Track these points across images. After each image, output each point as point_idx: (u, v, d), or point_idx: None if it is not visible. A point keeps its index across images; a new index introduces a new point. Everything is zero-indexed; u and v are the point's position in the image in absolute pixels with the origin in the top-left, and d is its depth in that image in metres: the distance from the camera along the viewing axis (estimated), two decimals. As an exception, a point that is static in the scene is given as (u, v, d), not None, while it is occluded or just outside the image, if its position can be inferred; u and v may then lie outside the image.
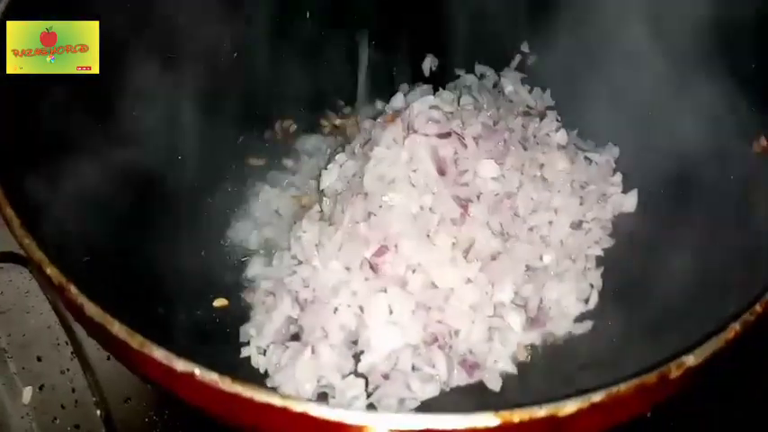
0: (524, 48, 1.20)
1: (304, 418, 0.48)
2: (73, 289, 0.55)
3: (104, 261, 0.76)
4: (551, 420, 0.49)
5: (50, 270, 0.56)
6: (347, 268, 0.88)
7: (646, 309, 0.84)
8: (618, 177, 1.02)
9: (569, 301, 0.90)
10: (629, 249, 0.96)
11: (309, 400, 0.50)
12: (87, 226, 0.75)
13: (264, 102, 1.11)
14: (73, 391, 0.91)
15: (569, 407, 0.49)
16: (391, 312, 0.85)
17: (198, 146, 1.02)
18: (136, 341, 0.52)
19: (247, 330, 0.88)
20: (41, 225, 0.63)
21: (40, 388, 0.92)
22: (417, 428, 0.48)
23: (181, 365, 0.50)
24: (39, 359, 0.95)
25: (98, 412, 0.89)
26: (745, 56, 0.86)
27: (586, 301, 0.92)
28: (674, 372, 0.52)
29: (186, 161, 1.00)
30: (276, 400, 0.49)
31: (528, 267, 0.92)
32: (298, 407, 0.48)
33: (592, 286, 0.93)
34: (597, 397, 0.50)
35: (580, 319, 0.90)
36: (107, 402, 0.90)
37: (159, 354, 0.51)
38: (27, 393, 0.91)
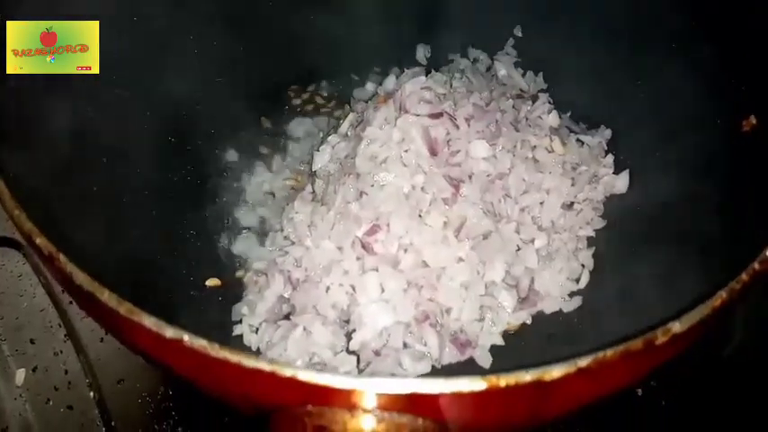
0: (517, 32, 1.19)
1: (292, 383, 0.49)
2: (62, 258, 0.55)
3: (95, 240, 0.76)
4: (538, 385, 0.49)
5: (40, 240, 0.56)
6: (339, 248, 0.88)
7: (637, 285, 0.84)
8: (609, 159, 1.03)
9: (560, 280, 0.91)
10: (620, 230, 0.96)
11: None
12: (79, 202, 0.76)
13: (256, 84, 1.11)
14: (66, 372, 0.91)
15: (556, 372, 0.49)
16: (383, 291, 0.85)
17: (191, 130, 1.03)
18: (124, 308, 0.52)
19: (240, 309, 0.88)
20: (33, 199, 0.63)
21: (33, 370, 0.92)
22: (404, 392, 0.48)
23: (170, 332, 0.50)
24: (32, 342, 0.95)
25: (91, 394, 0.89)
26: (734, 35, 0.87)
27: (577, 280, 0.93)
28: (661, 338, 0.52)
29: (179, 145, 1.01)
30: (264, 365, 0.49)
31: (519, 247, 0.92)
32: (286, 371, 0.48)
33: (583, 266, 0.93)
34: (584, 362, 0.50)
35: (570, 296, 0.90)
36: (100, 384, 0.90)
37: (148, 321, 0.51)
38: (20, 375, 0.91)
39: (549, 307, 0.90)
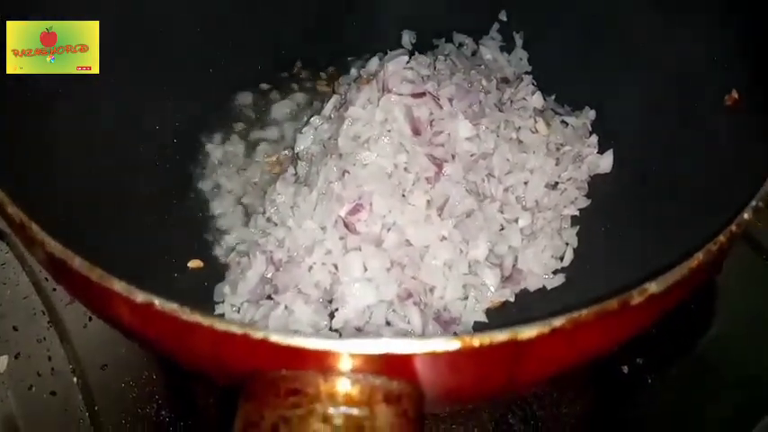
0: (502, 16, 1.19)
1: (264, 345, 0.48)
2: (34, 226, 0.54)
3: (75, 224, 0.75)
4: (512, 345, 0.49)
5: (11, 209, 0.55)
6: (322, 227, 0.88)
7: (621, 262, 0.84)
8: (594, 138, 1.03)
9: (544, 258, 0.91)
10: (605, 207, 0.96)
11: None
12: (59, 182, 0.75)
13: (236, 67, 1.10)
14: (49, 359, 0.91)
15: (530, 331, 0.49)
16: (366, 270, 0.85)
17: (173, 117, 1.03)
18: (95, 274, 0.51)
19: (222, 289, 0.87)
20: (9, 177, 0.63)
21: (16, 356, 0.91)
22: (377, 353, 0.48)
23: (140, 297, 0.50)
24: (15, 329, 0.94)
25: (75, 379, 0.89)
26: (717, 12, 0.87)
27: (561, 258, 0.92)
28: (636, 298, 0.52)
29: (161, 131, 1.00)
30: (235, 328, 0.48)
31: (503, 226, 0.92)
32: (258, 334, 0.48)
33: (567, 244, 0.93)
34: (558, 322, 0.50)
35: (554, 273, 0.90)
36: (83, 369, 0.90)
37: (119, 286, 0.50)
38: (2, 362, 0.91)
39: (532, 284, 0.90)
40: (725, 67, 0.85)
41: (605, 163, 1.00)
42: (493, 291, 0.88)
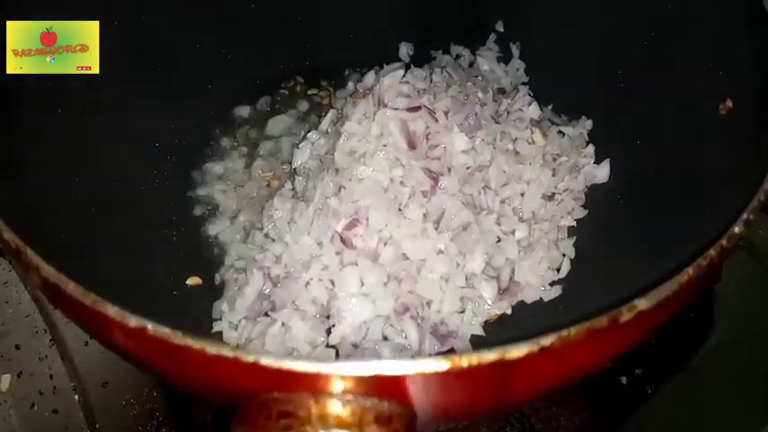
0: (499, 27, 1.20)
1: (255, 368, 0.48)
2: (29, 252, 0.55)
3: (75, 241, 0.76)
4: (501, 364, 0.49)
5: (7, 235, 0.56)
6: (318, 243, 0.88)
7: (618, 273, 0.84)
8: (590, 149, 1.03)
9: (541, 270, 0.91)
10: (602, 218, 0.96)
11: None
12: (57, 200, 0.76)
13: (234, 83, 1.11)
14: (51, 377, 0.91)
15: (518, 351, 0.49)
16: (362, 285, 0.85)
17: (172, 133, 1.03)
18: (89, 299, 0.52)
19: (219, 306, 0.88)
20: (8, 201, 0.64)
21: (18, 375, 0.92)
22: (366, 374, 0.48)
23: (133, 321, 0.50)
24: (17, 347, 0.95)
25: (76, 397, 0.89)
26: (714, 24, 0.87)
27: (558, 269, 0.92)
28: (626, 315, 0.52)
29: (159, 147, 1.01)
30: (226, 351, 0.49)
31: (499, 239, 0.92)
32: (248, 357, 0.48)
33: (564, 255, 0.93)
34: (547, 341, 0.50)
35: (550, 285, 0.90)
36: (85, 387, 0.91)
37: (113, 311, 0.51)
38: (5, 381, 0.91)
39: (529, 296, 0.90)
40: (720, 75, 0.84)
41: (602, 173, 1.00)
42: (490, 304, 0.88)
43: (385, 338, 0.84)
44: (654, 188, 0.89)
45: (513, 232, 0.93)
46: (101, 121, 0.89)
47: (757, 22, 0.79)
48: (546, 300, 0.90)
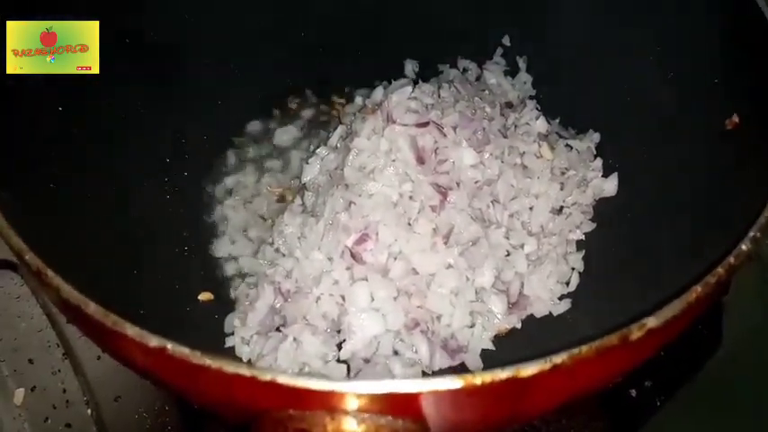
0: (506, 41, 1.21)
1: (272, 387, 0.49)
2: (50, 273, 0.56)
3: (90, 258, 0.77)
4: (513, 382, 0.50)
5: (29, 257, 0.57)
6: (329, 258, 0.89)
7: (627, 286, 0.85)
8: (598, 162, 1.04)
9: (550, 284, 0.92)
10: (610, 231, 0.97)
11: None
12: (71, 222, 0.77)
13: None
14: (64, 391, 0.92)
15: (531, 369, 0.50)
16: (373, 300, 0.86)
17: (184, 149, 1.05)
18: (110, 320, 0.53)
19: (231, 321, 0.89)
20: (26, 219, 0.64)
21: (32, 389, 0.92)
22: (381, 392, 0.49)
23: (153, 341, 0.51)
24: (30, 361, 0.95)
25: (89, 411, 0.90)
26: (714, 40, 0.88)
27: (567, 283, 0.93)
28: (636, 333, 0.53)
29: (172, 164, 1.03)
30: (244, 371, 0.50)
31: (508, 253, 0.93)
32: (265, 376, 0.49)
33: (573, 269, 0.94)
34: (559, 359, 0.51)
35: (560, 299, 0.91)
36: (97, 401, 0.91)
37: (132, 331, 0.52)
38: (19, 395, 0.91)
39: (538, 310, 0.90)
40: (726, 90, 0.85)
41: (610, 186, 1.01)
42: (500, 318, 0.89)
43: (396, 353, 0.84)
44: (662, 203, 0.89)
45: (521, 246, 0.94)
46: (114, 138, 0.90)
47: (764, 37, 0.80)
48: (555, 314, 0.90)
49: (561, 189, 1.00)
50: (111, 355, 0.62)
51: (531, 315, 0.91)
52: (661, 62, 0.96)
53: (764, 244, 0.96)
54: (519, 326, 0.90)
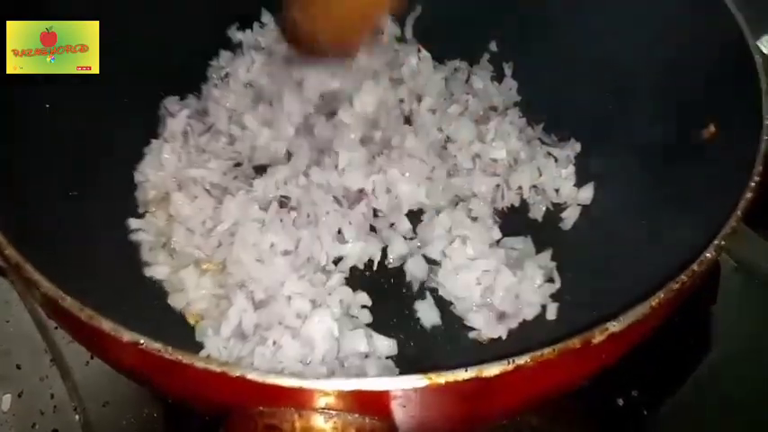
0: (492, 47, 1.22)
1: (242, 383, 0.51)
2: (29, 267, 0.58)
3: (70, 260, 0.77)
4: (477, 382, 0.51)
5: (8, 251, 0.59)
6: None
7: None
8: (571, 169, 1.06)
9: (532, 286, 0.93)
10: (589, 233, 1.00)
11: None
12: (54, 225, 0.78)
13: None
14: (52, 396, 0.92)
15: (493, 369, 0.51)
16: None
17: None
18: (85, 314, 0.54)
19: (205, 330, 0.88)
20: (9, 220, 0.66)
21: (19, 395, 0.92)
22: (347, 389, 0.51)
23: (127, 336, 0.53)
24: (18, 367, 0.95)
25: (77, 417, 0.90)
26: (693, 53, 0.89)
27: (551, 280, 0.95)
28: (598, 337, 0.55)
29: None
30: (214, 366, 0.51)
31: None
32: (235, 372, 0.51)
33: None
34: (522, 360, 0.52)
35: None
36: (85, 407, 0.91)
37: (107, 325, 0.53)
38: (6, 400, 0.92)
39: (526, 314, 0.92)
40: (702, 101, 0.87)
41: (585, 195, 1.03)
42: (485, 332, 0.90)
43: (366, 356, 0.86)
44: (633, 209, 0.91)
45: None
46: (88, 137, 0.91)
47: (740, 51, 0.82)
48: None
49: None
50: (90, 351, 0.63)
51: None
52: (643, 71, 0.97)
53: (745, 249, 1.00)
54: (504, 336, 0.91)
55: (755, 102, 0.76)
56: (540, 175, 1.04)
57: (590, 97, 1.05)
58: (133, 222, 0.94)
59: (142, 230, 0.95)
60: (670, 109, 0.92)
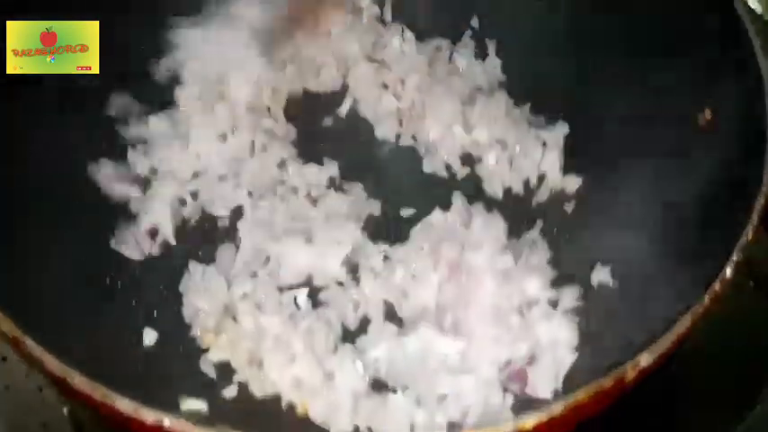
0: (474, 23, 1.17)
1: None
2: (29, 341, 0.54)
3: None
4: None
5: (5, 326, 0.55)
6: None
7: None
8: (555, 154, 1.03)
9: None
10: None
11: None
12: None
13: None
14: (40, 390, 0.90)
15: (530, 421, 0.51)
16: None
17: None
18: (98, 393, 0.51)
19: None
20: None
21: (6, 388, 0.90)
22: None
23: (151, 417, 0.50)
24: (4, 359, 0.92)
25: (64, 410, 0.88)
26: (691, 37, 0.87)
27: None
28: (630, 373, 0.55)
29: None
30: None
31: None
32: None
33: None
34: (557, 409, 0.52)
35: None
36: (73, 400, 0.90)
37: (123, 404, 0.51)
38: (-8, 395, 0.90)
39: None
40: (698, 87, 0.85)
41: (571, 184, 1.02)
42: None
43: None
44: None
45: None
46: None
47: (735, 34, 0.80)
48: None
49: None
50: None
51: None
52: (633, 52, 0.95)
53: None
54: None
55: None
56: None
57: (577, 75, 1.02)
58: None
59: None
60: (663, 91, 0.89)
